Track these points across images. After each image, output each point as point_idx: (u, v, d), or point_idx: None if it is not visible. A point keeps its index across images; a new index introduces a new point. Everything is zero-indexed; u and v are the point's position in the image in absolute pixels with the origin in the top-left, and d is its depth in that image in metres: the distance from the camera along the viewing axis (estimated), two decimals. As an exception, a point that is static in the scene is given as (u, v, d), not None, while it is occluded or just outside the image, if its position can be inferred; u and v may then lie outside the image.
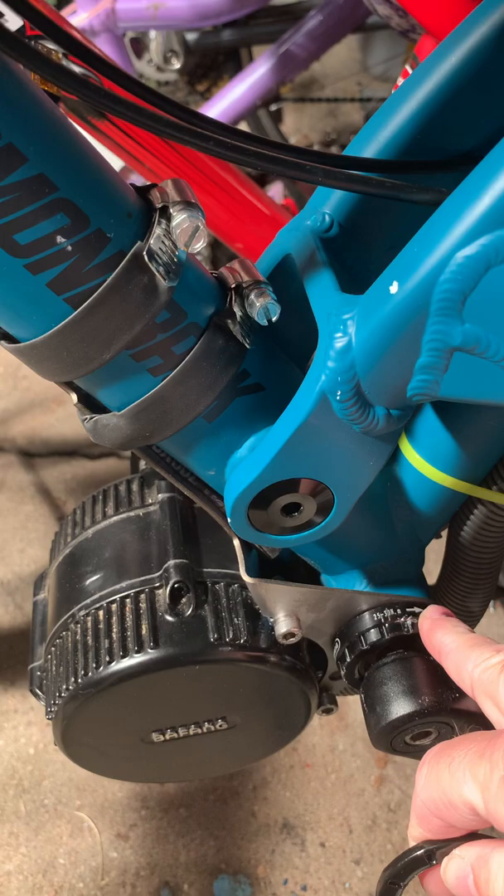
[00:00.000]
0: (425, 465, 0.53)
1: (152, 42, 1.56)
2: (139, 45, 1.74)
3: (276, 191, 1.37)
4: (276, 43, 1.37)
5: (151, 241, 0.38)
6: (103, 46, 1.29)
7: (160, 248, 0.38)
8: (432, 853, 0.40)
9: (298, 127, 2.30)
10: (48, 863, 1.03)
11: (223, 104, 1.38)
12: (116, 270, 0.37)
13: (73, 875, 1.02)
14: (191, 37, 1.58)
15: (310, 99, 2.06)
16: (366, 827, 1.06)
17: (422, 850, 0.40)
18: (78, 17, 1.21)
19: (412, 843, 0.41)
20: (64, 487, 1.45)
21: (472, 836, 0.39)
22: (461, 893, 0.38)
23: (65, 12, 1.24)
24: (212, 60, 1.83)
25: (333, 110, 2.34)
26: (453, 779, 0.36)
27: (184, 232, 0.38)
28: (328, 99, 2.00)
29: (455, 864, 0.38)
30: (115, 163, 0.74)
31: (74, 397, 0.45)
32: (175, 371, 0.42)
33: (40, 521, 1.40)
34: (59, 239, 0.36)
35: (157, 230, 0.38)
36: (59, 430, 1.55)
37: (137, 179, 1.18)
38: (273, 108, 1.83)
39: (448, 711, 0.51)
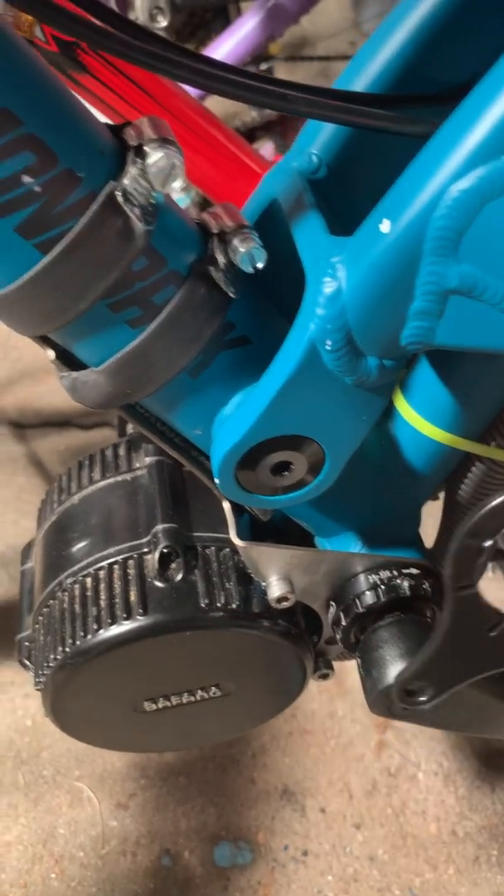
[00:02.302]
0: (421, 420, 0.51)
1: (137, -1, 1.51)
2: (124, 3, 1.69)
3: (266, 149, 1.34)
4: (265, -4, 1.33)
5: (126, 181, 0.36)
6: (85, 1, 1.24)
7: (135, 189, 0.36)
8: None
9: (290, 87, 2.25)
10: (48, 833, 1.03)
11: (211, 61, 1.34)
12: (88, 212, 0.35)
13: (74, 844, 1.02)
14: (177, -8, 1.53)
15: (300, 58, 2.01)
16: (366, 792, 1.06)
17: None
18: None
19: None
20: (57, 458, 1.43)
21: None
22: None
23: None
24: (200, 18, 1.78)
25: (325, 69, 2.28)
26: None
27: (160, 170, 0.36)
28: (319, 57, 1.95)
29: None
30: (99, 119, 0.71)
31: (51, 353, 0.43)
32: (155, 322, 0.40)
33: (33, 492, 1.38)
34: (26, 179, 0.34)
35: (132, 169, 0.36)
36: (50, 400, 1.53)
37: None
38: (264, 66, 1.78)
39: (447, 674, 0.50)
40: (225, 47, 1.33)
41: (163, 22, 1.55)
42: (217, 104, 1.10)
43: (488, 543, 0.36)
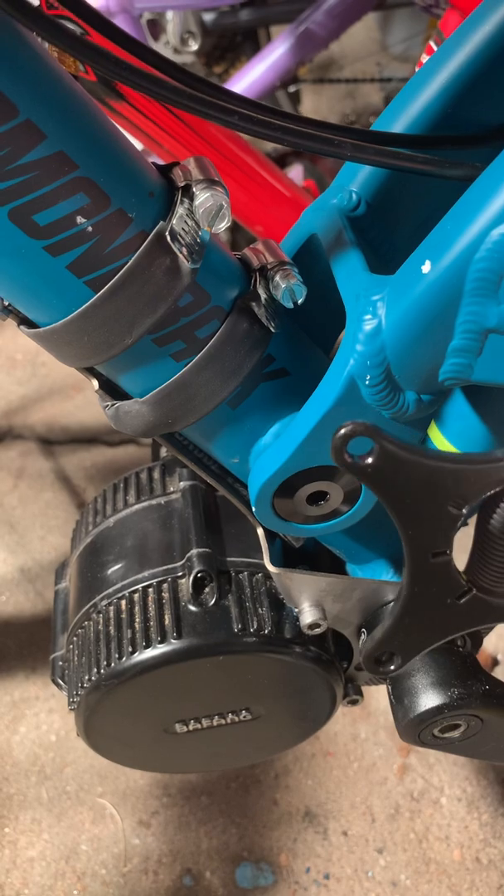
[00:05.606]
0: (454, 450, 0.51)
1: (169, 23, 1.54)
2: (156, 27, 1.71)
3: (296, 173, 1.35)
4: (295, 22, 1.35)
5: (174, 221, 0.37)
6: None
7: (183, 229, 0.37)
8: None
9: (317, 109, 2.27)
10: (71, 849, 1.03)
11: (241, 85, 1.36)
12: (138, 252, 0.36)
13: (96, 861, 1.02)
14: (208, 17, 1.56)
15: (328, 80, 2.03)
16: (388, 816, 1.05)
17: None
18: (94, -2, 1.19)
19: None
20: (84, 475, 1.44)
21: None
22: None
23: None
24: (229, 41, 1.80)
25: (352, 91, 2.30)
26: None
27: (207, 211, 0.37)
28: (347, 80, 1.96)
29: None
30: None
31: (96, 383, 0.44)
32: (198, 356, 0.41)
33: (60, 508, 1.39)
34: (80, 219, 0.35)
35: (180, 210, 0.37)
36: (78, 417, 1.55)
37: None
38: (291, 89, 1.80)
39: (478, 704, 0.50)
40: (255, 72, 1.35)
41: (194, 46, 1.57)
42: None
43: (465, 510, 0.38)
